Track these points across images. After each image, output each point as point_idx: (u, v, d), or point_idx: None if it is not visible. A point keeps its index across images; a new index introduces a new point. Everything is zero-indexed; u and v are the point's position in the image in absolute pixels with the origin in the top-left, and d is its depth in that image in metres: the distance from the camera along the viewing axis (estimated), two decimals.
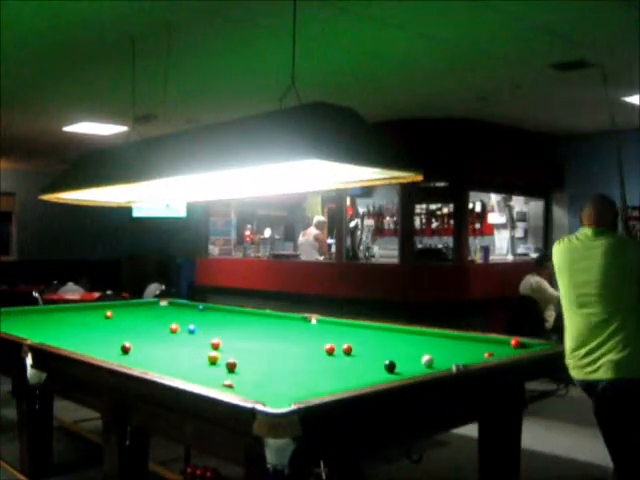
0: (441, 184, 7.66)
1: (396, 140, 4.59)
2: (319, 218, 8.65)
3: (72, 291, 8.33)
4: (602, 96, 5.16)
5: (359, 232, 7.93)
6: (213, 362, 3.07)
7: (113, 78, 5.52)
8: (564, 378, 6.41)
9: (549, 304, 6.77)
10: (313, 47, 4.63)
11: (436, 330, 4.06)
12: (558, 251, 3.34)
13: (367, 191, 9.10)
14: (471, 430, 3.43)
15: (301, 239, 8.66)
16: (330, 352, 3.39)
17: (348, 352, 3.38)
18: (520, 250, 8.44)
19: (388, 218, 9.41)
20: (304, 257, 8.26)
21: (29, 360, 3.46)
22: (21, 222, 11.87)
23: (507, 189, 8.17)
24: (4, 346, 3.85)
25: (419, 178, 3.48)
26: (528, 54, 4.92)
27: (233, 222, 9.57)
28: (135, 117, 5.19)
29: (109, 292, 7.77)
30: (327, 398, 2.29)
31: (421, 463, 2.92)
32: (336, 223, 7.80)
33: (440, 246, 8.25)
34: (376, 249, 8.46)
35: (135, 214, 8.91)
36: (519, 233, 8.62)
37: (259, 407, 2.11)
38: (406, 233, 7.23)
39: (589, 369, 3.13)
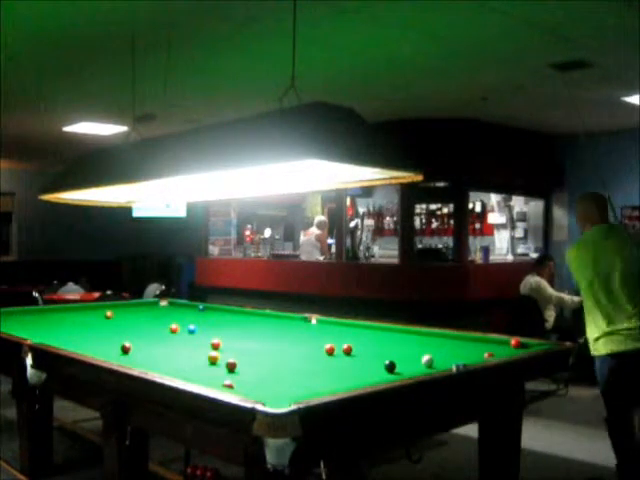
0: (441, 184, 7.66)
1: (396, 140, 4.59)
2: (320, 218, 8.62)
3: (72, 291, 8.32)
4: (602, 96, 5.17)
5: (359, 232, 7.92)
6: (213, 362, 3.07)
7: (113, 78, 5.52)
8: (564, 378, 6.43)
9: (549, 304, 6.76)
10: (313, 47, 4.62)
11: (436, 330, 4.06)
12: (577, 256, 3.86)
13: (367, 191, 9.10)
14: (471, 430, 3.43)
15: (302, 239, 8.63)
16: (330, 352, 3.39)
17: (348, 352, 3.39)
18: (520, 250, 8.43)
19: (388, 218, 9.42)
20: (305, 257, 8.24)
21: (29, 360, 3.46)
22: (21, 222, 11.87)
23: (507, 189, 8.17)
24: (4, 346, 3.85)
25: (419, 178, 3.48)
26: (528, 54, 4.92)
27: (233, 222, 9.55)
28: (135, 117, 5.18)
29: (109, 292, 7.77)
30: (327, 398, 2.29)
31: (421, 463, 2.92)
32: (336, 223, 7.79)
33: (440, 246, 8.24)
34: (376, 249, 8.46)
35: (135, 214, 8.88)
36: (519, 233, 8.61)
37: (259, 407, 2.11)
38: (406, 233, 7.23)
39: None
